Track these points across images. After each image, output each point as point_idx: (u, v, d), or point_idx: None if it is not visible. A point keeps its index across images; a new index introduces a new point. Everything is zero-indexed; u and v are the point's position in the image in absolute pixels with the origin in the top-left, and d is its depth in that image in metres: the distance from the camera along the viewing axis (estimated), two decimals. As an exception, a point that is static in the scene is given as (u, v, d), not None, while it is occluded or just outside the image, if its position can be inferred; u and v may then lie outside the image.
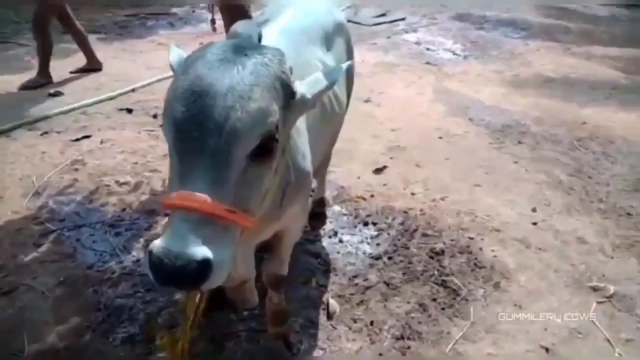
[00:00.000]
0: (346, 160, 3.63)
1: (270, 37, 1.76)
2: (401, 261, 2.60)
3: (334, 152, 3.59)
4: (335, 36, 2.11)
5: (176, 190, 0.98)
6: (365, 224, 2.92)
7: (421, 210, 3.04)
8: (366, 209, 3.05)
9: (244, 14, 3.19)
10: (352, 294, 2.39)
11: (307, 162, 1.53)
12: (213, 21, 3.31)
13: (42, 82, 4.87)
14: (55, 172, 3.38)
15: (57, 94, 4.69)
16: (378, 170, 3.51)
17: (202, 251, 0.93)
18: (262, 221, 1.39)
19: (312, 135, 1.65)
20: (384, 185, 3.33)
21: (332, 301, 2.32)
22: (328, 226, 2.89)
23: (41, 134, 3.94)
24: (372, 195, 3.19)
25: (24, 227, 2.82)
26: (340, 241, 2.77)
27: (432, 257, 2.63)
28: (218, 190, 0.98)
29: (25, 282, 2.40)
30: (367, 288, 2.42)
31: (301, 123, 1.55)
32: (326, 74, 1.24)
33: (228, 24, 3.50)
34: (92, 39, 6.58)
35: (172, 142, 1.02)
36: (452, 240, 2.77)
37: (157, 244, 0.95)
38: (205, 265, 0.93)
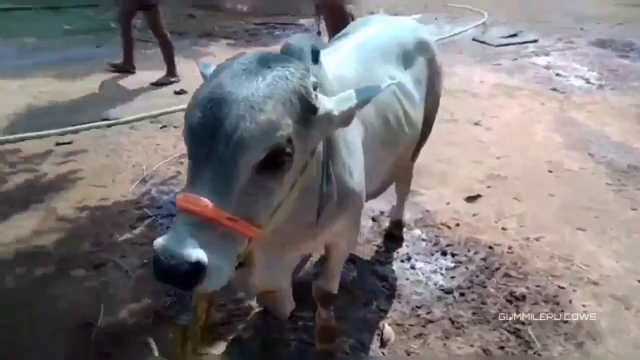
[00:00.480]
0: (438, 184, 3.47)
1: (343, 51, 1.74)
2: (473, 300, 2.41)
3: (425, 172, 3.47)
4: (416, 55, 2.02)
5: (185, 192, 1.01)
6: (444, 253, 2.75)
7: (509, 247, 2.79)
8: (448, 238, 2.87)
9: (346, 25, 3.21)
10: (412, 325, 2.26)
11: (356, 181, 1.48)
12: (319, 33, 3.38)
13: (171, 80, 5.43)
14: (164, 163, 3.71)
15: (182, 92, 5.16)
16: (470, 199, 3.30)
17: (196, 254, 0.95)
18: (295, 236, 1.37)
19: (369, 153, 1.59)
20: (474, 215, 3.12)
21: (388, 328, 2.21)
22: (403, 250, 2.77)
23: (160, 127, 4.36)
24: (457, 224, 3.00)
25: (126, 210, 3.12)
26: (412, 267, 2.64)
27: (510, 301, 2.39)
28: (222, 198, 0.99)
29: (114, 259, 2.66)
30: (429, 322, 2.27)
31: (355, 139, 1.51)
32: (359, 92, 1.18)
33: (331, 34, 3.56)
34: (222, 44, 7.20)
35: (187, 145, 1.06)
36: (537, 286, 2.49)
37: (159, 241, 0.99)
38: (197, 268, 0.94)
